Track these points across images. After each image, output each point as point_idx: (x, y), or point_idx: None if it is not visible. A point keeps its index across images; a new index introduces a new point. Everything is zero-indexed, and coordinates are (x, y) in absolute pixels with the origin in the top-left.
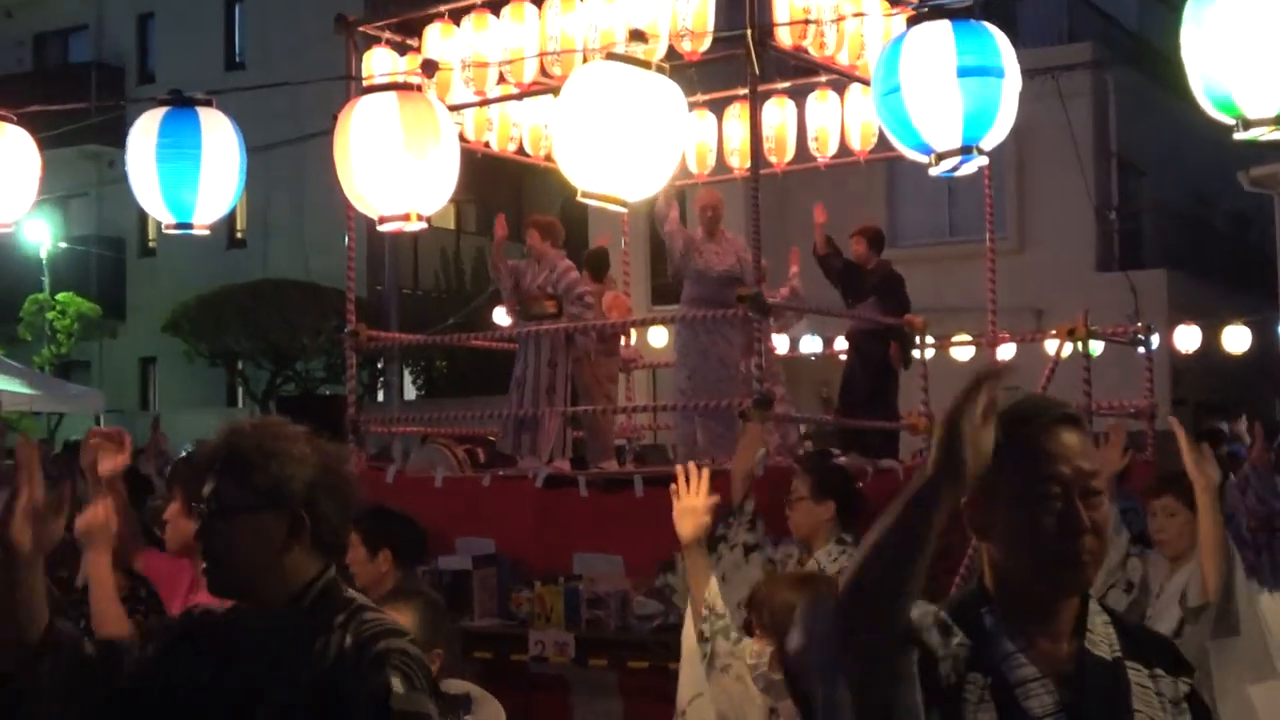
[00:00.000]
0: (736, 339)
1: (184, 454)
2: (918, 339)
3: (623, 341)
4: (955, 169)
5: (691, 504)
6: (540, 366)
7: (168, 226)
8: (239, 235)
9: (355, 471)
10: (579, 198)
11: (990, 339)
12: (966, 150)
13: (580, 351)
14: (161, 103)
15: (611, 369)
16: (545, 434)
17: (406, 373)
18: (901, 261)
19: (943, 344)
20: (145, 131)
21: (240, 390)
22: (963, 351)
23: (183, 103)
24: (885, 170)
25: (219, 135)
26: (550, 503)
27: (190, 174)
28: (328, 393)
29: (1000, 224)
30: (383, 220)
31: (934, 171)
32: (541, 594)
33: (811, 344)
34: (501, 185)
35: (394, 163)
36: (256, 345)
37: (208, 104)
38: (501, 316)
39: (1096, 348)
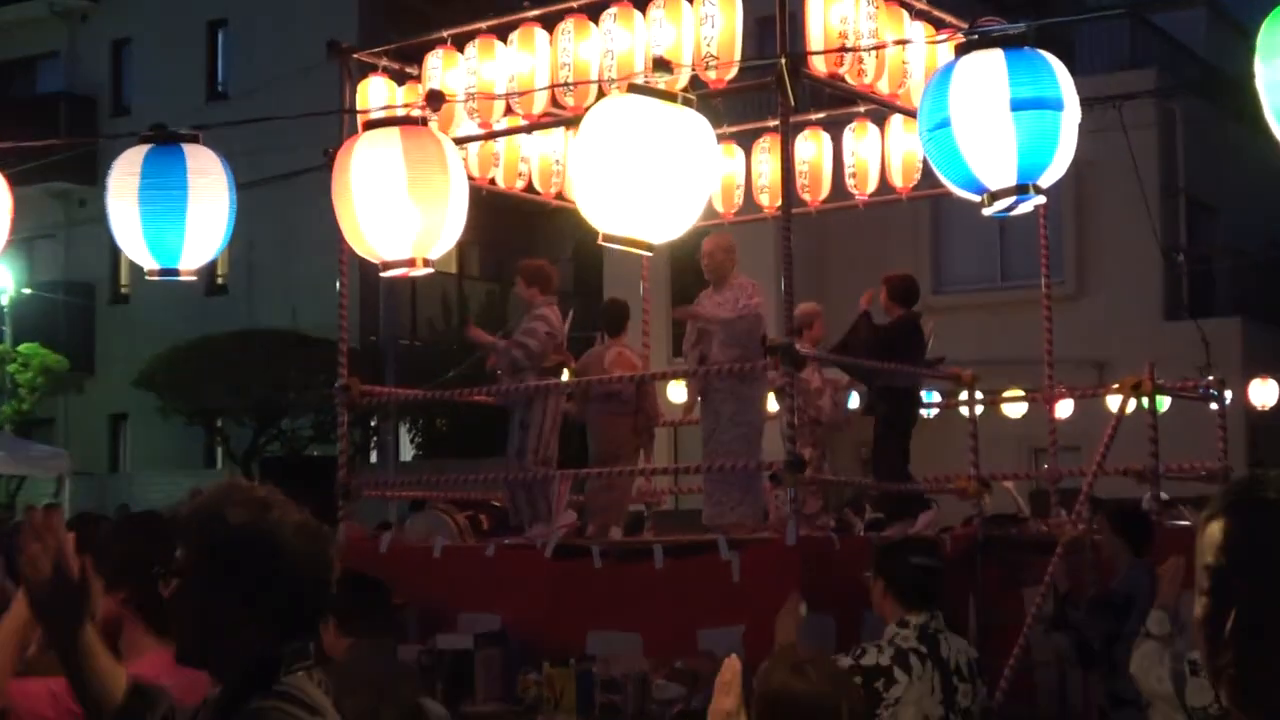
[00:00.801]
0: (752, 394)
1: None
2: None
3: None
4: (1010, 209)
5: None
6: (513, 429)
7: (151, 273)
8: (220, 280)
9: (338, 540)
10: (600, 242)
11: (1046, 394)
12: (1022, 189)
13: (557, 410)
14: (144, 139)
15: (619, 430)
16: (521, 500)
17: (403, 431)
18: (949, 309)
19: (994, 400)
20: (127, 170)
21: (220, 451)
22: (1016, 408)
23: (166, 139)
24: (930, 209)
25: (206, 173)
26: (561, 575)
27: (176, 215)
28: (316, 454)
29: (1057, 268)
30: (385, 266)
31: (987, 211)
32: (551, 676)
33: (850, 401)
34: (509, 226)
35: (398, 204)
36: (238, 401)
37: (194, 139)
38: None
39: (1164, 404)
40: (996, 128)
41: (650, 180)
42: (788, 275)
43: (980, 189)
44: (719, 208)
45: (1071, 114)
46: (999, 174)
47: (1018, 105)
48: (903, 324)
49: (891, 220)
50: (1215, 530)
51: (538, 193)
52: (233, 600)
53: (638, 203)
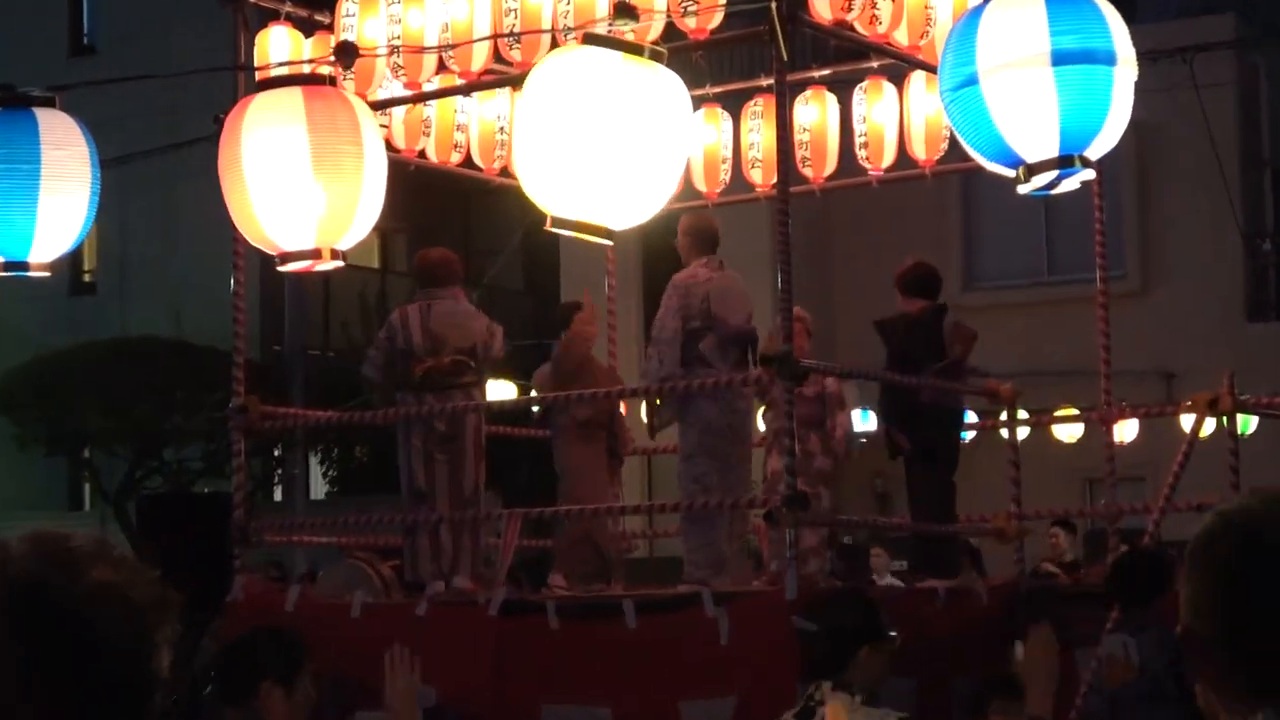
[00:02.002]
0: (733, 415)
1: None
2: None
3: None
4: (1052, 186)
5: None
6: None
7: None
8: (86, 278)
9: (166, 607)
10: (548, 228)
11: (1104, 413)
12: (1066, 161)
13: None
14: None
15: (584, 458)
16: (438, 548)
17: (314, 462)
18: (984, 310)
19: (1040, 420)
20: None
21: (88, 488)
22: (1067, 430)
23: (15, 101)
24: (960, 187)
25: (64, 145)
26: (510, 637)
27: (25, 196)
28: (207, 490)
29: (1116, 259)
30: (285, 258)
31: (1024, 189)
32: None
33: (861, 423)
34: (442, 208)
35: (299, 182)
36: (111, 426)
37: (49, 103)
38: None
39: (1249, 424)
40: (1034, 86)
41: (610, 152)
42: (785, 269)
43: (1015, 161)
44: (700, 186)
45: (1127, 69)
46: (1038, 143)
47: (1060, 58)
48: (921, 321)
49: (912, 201)
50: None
51: (478, 168)
52: (3, 675)
53: (595, 180)
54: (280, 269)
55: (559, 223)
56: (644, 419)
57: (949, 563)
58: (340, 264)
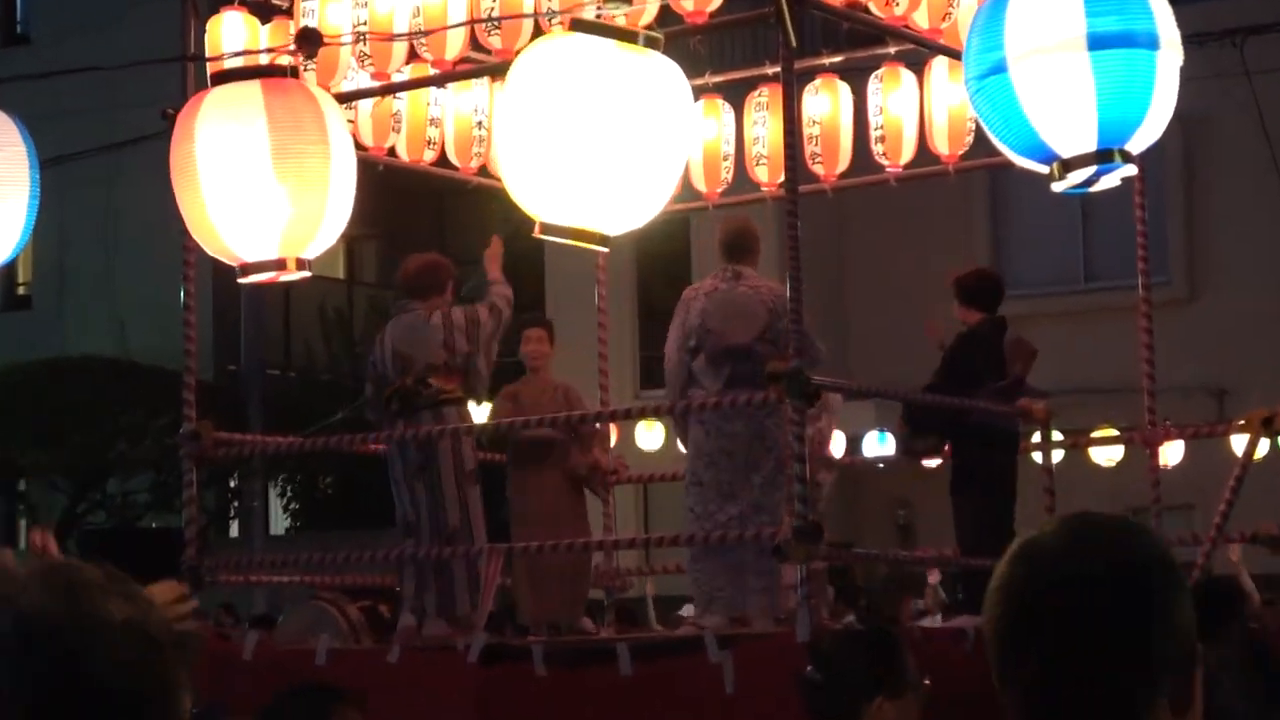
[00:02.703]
0: (724, 439)
1: None
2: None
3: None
4: (1089, 183)
5: None
6: (451, 485)
7: None
8: (21, 290)
9: (194, 646)
10: (536, 234)
11: (1147, 433)
12: (1105, 155)
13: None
14: None
15: (533, 487)
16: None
17: (274, 494)
18: (1014, 320)
19: (1076, 441)
20: None
21: (24, 523)
22: (1106, 453)
23: None
24: (988, 185)
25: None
26: (493, 686)
27: None
28: (155, 525)
29: (1160, 264)
30: (246, 270)
31: (1058, 187)
32: None
33: (878, 446)
34: (415, 213)
35: (260, 185)
36: (49, 455)
37: None
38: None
39: None
40: (1069, 73)
41: (603, 149)
42: (794, 276)
43: (1048, 156)
44: (700, 185)
45: (1171, 53)
46: (1073, 136)
47: (1098, 42)
48: (979, 335)
49: (935, 201)
50: None
51: (454, 167)
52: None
53: (586, 181)
54: (241, 281)
55: (548, 229)
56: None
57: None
58: (306, 275)
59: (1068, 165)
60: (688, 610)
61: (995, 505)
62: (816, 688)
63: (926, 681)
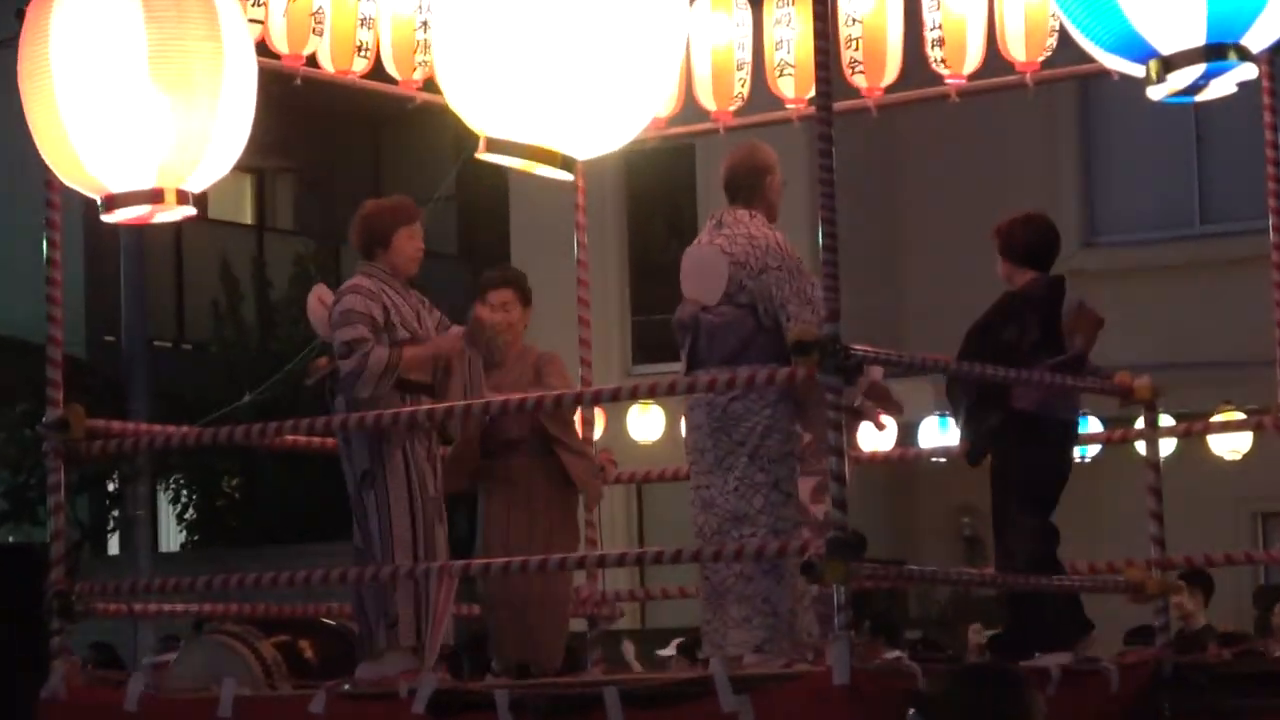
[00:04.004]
0: (692, 433)
1: None
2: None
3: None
4: (1196, 89)
5: None
6: (352, 489)
7: None
8: None
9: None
10: (481, 153)
11: (1278, 416)
12: (1215, 52)
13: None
14: None
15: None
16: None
17: (164, 500)
18: (1108, 275)
19: (1190, 428)
20: None
21: None
22: (1229, 442)
23: None
24: (1076, 102)
25: None
26: None
27: None
28: (11, 540)
29: None
30: (112, 203)
31: (1156, 93)
32: None
33: (939, 433)
34: (344, 139)
35: (134, 94)
36: None
37: None
38: None
39: None
40: None
41: (567, 52)
42: (828, 216)
43: (1146, 53)
44: (708, 103)
45: None
46: (1177, 28)
47: None
48: (1031, 299)
49: (1009, 122)
50: None
51: (392, 80)
52: None
53: (546, 89)
54: (106, 219)
55: (496, 146)
56: None
57: (1057, 630)
58: (192, 212)
59: (1169, 64)
60: (672, 650)
61: (1039, 512)
62: None
63: None
